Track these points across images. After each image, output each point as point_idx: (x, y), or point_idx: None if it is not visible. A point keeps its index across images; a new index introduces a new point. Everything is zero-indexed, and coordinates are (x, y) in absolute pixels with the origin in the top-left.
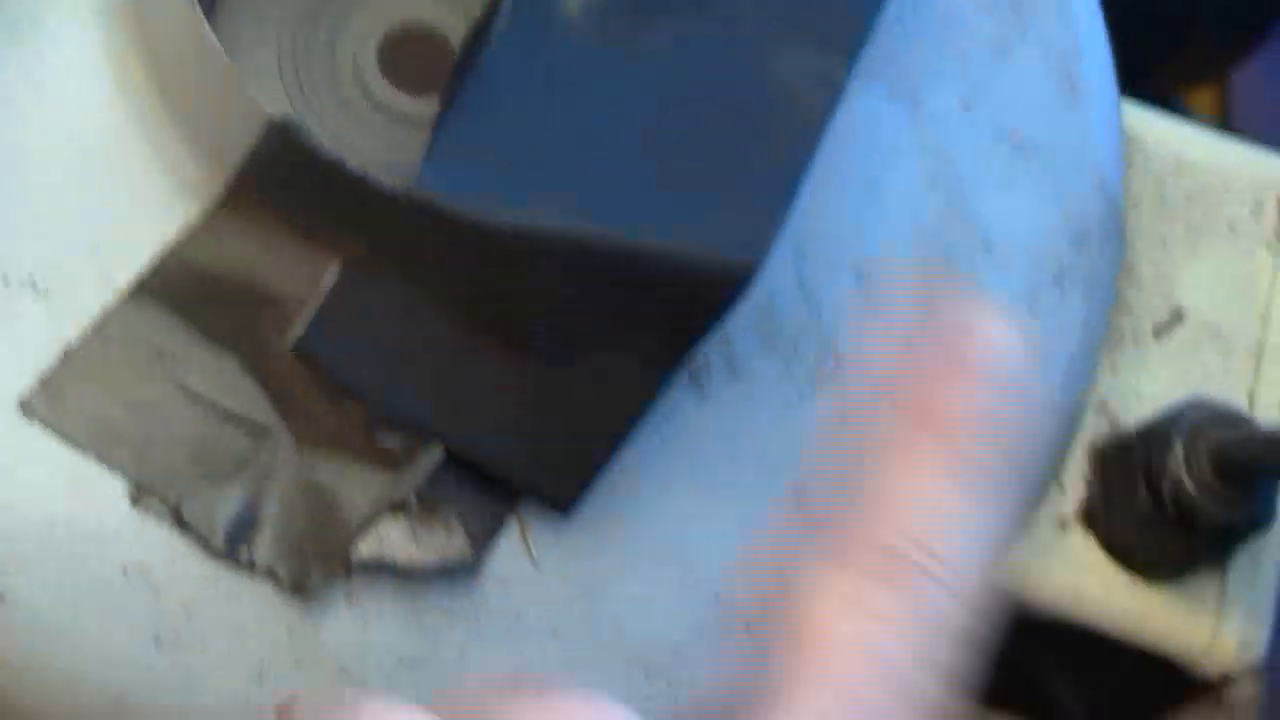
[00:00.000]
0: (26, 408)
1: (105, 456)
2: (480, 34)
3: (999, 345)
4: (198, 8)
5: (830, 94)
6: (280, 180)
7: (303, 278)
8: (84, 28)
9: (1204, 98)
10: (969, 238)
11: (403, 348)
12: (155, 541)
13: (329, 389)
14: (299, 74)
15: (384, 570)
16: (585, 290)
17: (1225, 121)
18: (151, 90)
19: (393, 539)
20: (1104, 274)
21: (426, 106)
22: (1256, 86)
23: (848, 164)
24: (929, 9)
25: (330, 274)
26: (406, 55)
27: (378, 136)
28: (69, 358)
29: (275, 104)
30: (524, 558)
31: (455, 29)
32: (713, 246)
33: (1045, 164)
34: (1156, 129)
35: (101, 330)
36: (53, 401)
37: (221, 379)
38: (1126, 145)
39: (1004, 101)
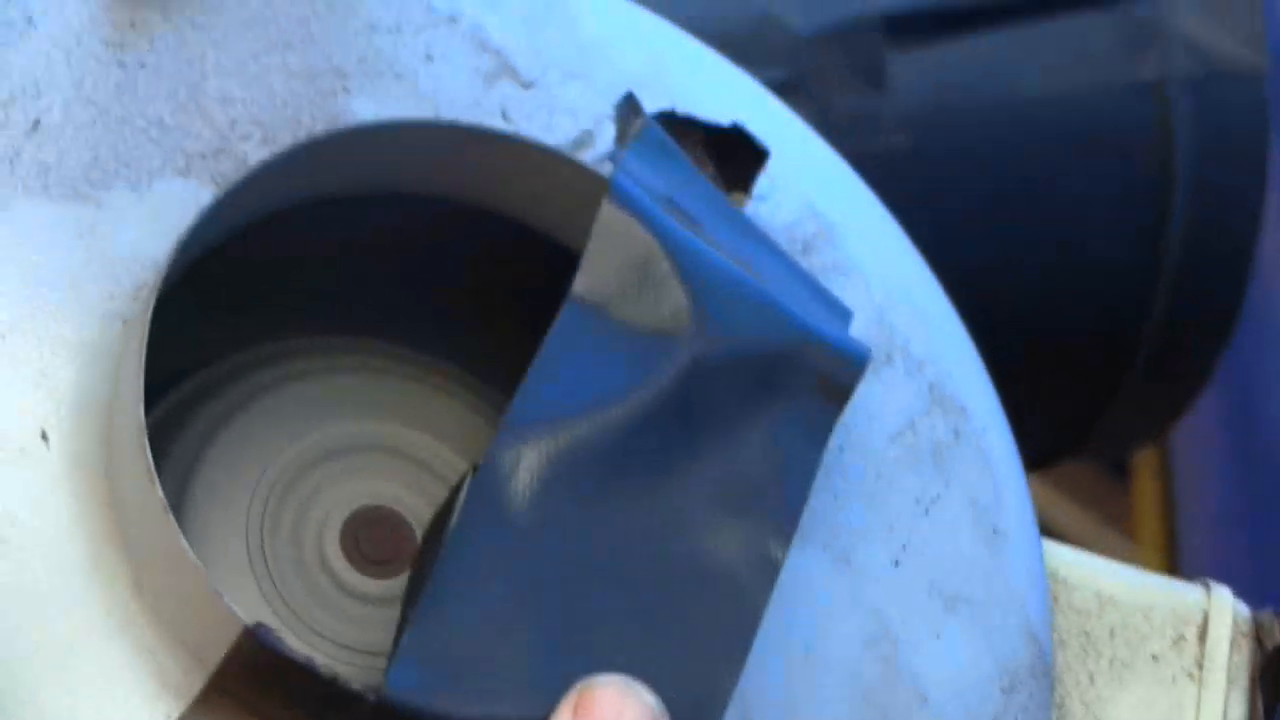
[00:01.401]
0: None
1: None
2: (439, 524)
3: None
4: (175, 525)
5: (768, 575)
6: (256, 681)
7: None
8: (67, 536)
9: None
10: (906, 694)
11: None
12: None
13: None
14: (267, 560)
15: None
16: None
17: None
18: (133, 594)
19: None
20: (1035, 717)
21: (389, 587)
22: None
23: (787, 631)
24: (858, 473)
25: None
26: (368, 538)
27: (344, 618)
28: None
29: (242, 585)
30: None
31: (414, 509)
32: None
33: (974, 615)
34: (1077, 568)
35: None
36: None
37: None
38: (1051, 584)
39: (932, 556)
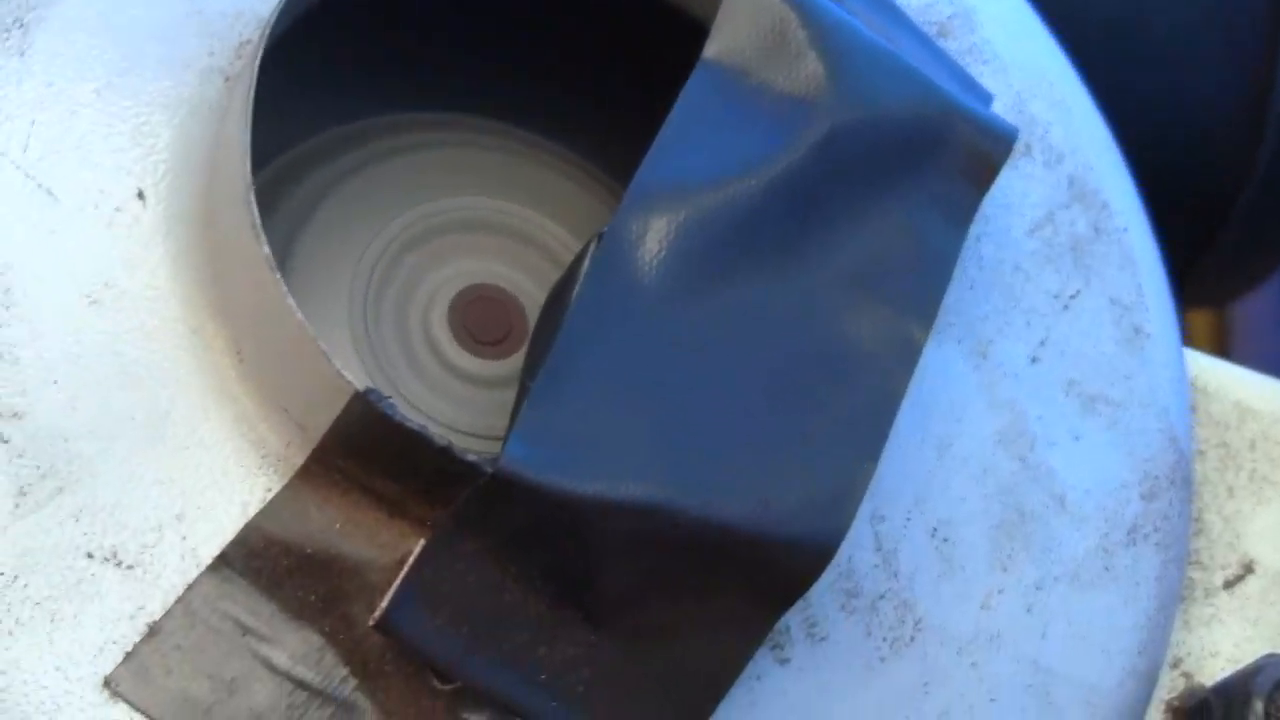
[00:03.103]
0: (112, 684)
1: None
2: (559, 295)
3: None
4: (281, 282)
5: (909, 360)
6: (363, 452)
7: (386, 551)
8: (163, 299)
9: (1200, 324)
10: (1042, 495)
11: (486, 622)
12: None
13: (415, 664)
14: (369, 333)
15: None
16: (669, 562)
17: (1224, 350)
18: (232, 361)
19: None
20: (1176, 526)
21: (498, 369)
22: (1258, 317)
23: (921, 424)
24: (995, 264)
25: (414, 547)
26: (477, 317)
27: (451, 399)
28: (153, 634)
29: (346, 362)
30: None
31: (525, 290)
32: (796, 521)
33: (1114, 416)
34: (1217, 375)
35: (185, 605)
36: (137, 679)
37: (306, 654)
38: (1190, 393)
39: (1071, 353)
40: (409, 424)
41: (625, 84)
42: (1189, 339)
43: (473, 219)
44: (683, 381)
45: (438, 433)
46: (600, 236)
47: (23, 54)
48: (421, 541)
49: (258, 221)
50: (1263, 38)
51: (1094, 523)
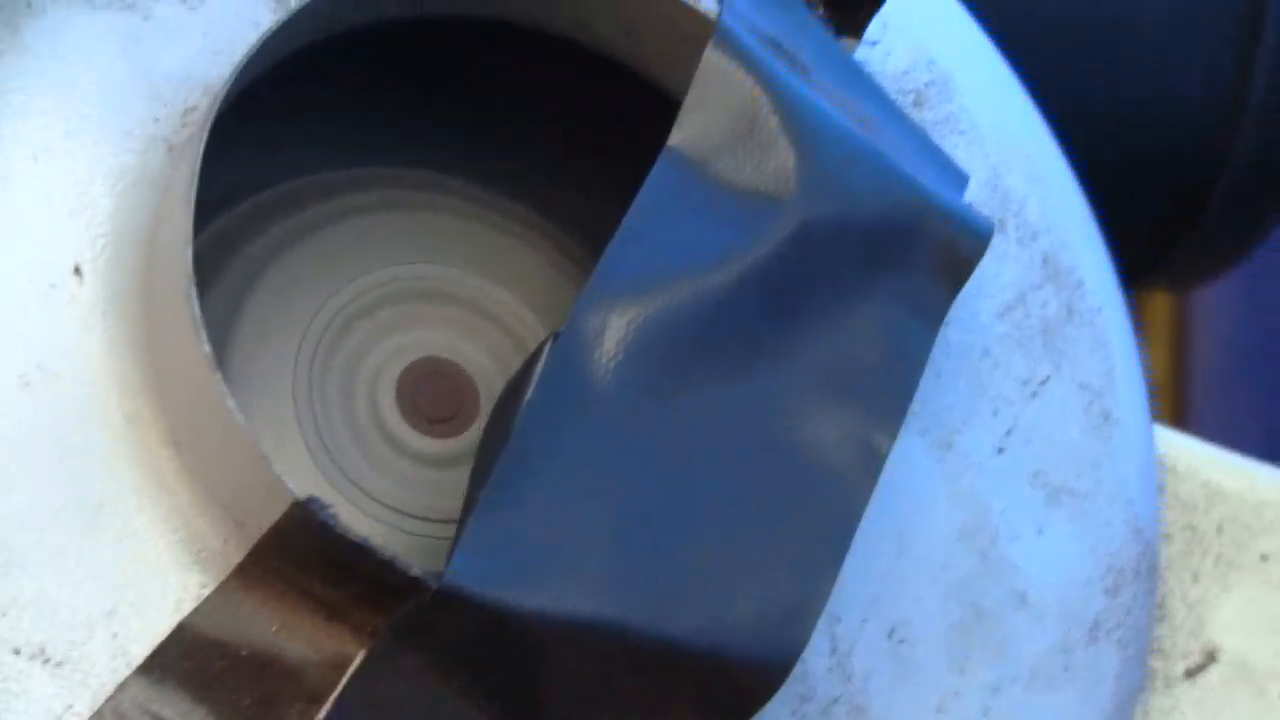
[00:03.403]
0: None
1: None
2: (512, 396)
3: None
4: (221, 382)
5: (872, 473)
6: (302, 557)
7: (325, 655)
8: (99, 385)
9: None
10: (1003, 591)
11: None
12: None
13: None
14: (314, 405)
15: None
16: (617, 679)
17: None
18: (170, 452)
19: None
20: (1139, 620)
21: (448, 448)
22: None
23: (880, 518)
24: (963, 349)
25: (354, 654)
26: (427, 393)
27: (399, 480)
28: None
29: (292, 446)
30: None
31: (478, 365)
32: (750, 638)
33: (1079, 508)
34: (1187, 454)
35: (115, 707)
36: None
37: None
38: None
39: (1038, 442)
40: (350, 535)
41: (598, 153)
42: (1150, 325)
43: (428, 288)
44: (637, 491)
45: (382, 543)
46: (555, 336)
47: None
48: (361, 653)
49: (198, 316)
50: (1242, 26)
51: (1054, 620)
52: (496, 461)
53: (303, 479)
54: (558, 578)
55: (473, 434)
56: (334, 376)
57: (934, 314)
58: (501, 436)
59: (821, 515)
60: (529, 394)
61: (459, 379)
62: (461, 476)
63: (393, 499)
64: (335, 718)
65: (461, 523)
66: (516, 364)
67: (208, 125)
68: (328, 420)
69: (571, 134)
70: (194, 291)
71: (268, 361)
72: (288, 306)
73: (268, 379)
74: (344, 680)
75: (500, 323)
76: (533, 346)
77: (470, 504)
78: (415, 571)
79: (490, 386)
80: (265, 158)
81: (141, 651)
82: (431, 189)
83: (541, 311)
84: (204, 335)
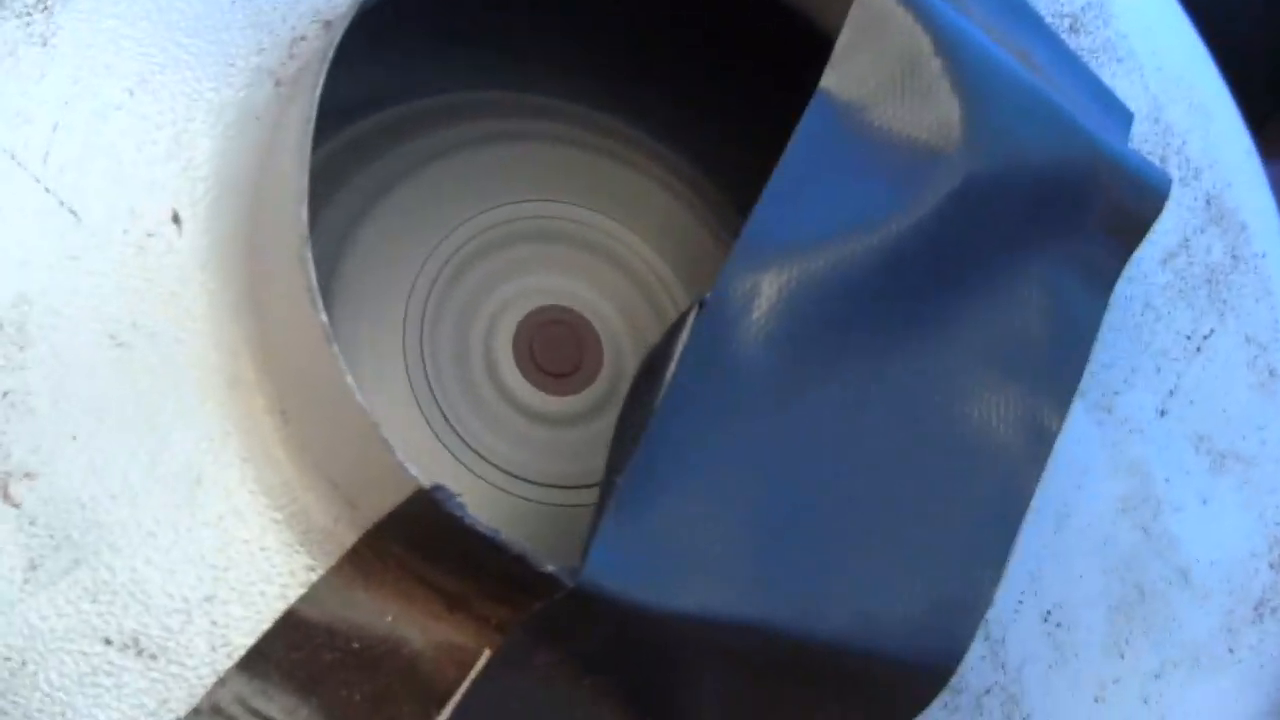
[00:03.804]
0: None
1: None
2: (652, 371)
3: None
4: (340, 357)
5: (1041, 454)
6: (424, 545)
7: (443, 649)
8: (198, 344)
9: None
10: (1165, 569)
11: None
12: None
13: None
14: (425, 357)
15: None
16: (763, 684)
17: None
18: (275, 421)
19: None
20: None
21: (566, 405)
22: None
23: (1039, 492)
24: (1124, 303)
25: (474, 648)
26: (546, 345)
27: (516, 440)
28: None
29: (399, 403)
30: None
31: (602, 315)
32: (907, 640)
33: (1245, 475)
34: None
35: (213, 703)
36: None
37: None
38: None
39: (1201, 402)
40: (480, 528)
41: (745, 92)
42: None
43: (550, 229)
44: (786, 479)
45: (512, 537)
46: (701, 304)
47: (45, 43)
48: (487, 651)
49: (314, 283)
50: None
51: (1218, 598)
52: (636, 447)
53: (410, 433)
54: (700, 576)
55: (594, 392)
56: (447, 323)
57: (1105, 279)
58: (641, 417)
59: (987, 502)
60: (671, 372)
61: (581, 330)
62: (579, 437)
63: (505, 460)
64: (463, 715)
65: (599, 512)
66: (644, 316)
67: (325, 63)
68: (438, 371)
69: (716, 70)
70: (309, 254)
71: (375, 306)
72: (398, 246)
73: (375, 326)
74: (470, 678)
75: (628, 270)
76: (662, 298)
77: (607, 492)
78: (549, 569)
79: (615, 340)
80: (383, 76)
81: (243, 641)
82: (559, 118)
83: (673, 260)
84: (320, 303)
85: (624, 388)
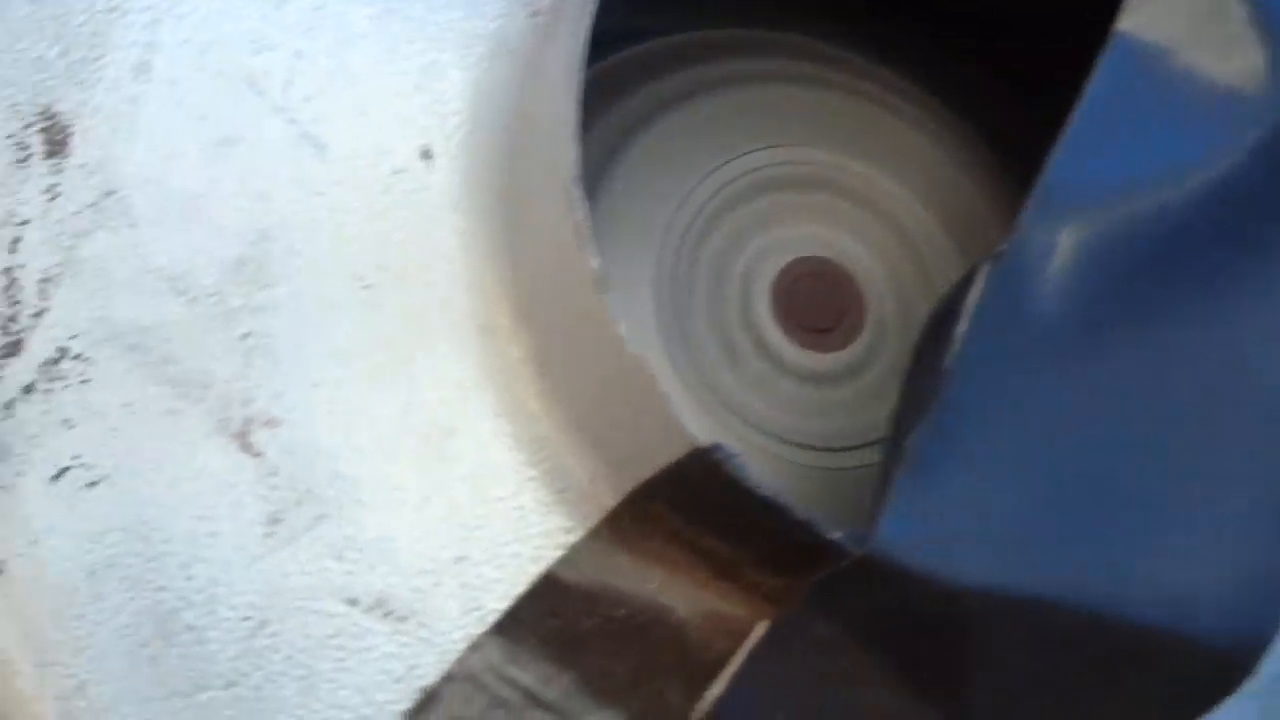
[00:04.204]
0: None
1: None
2: (939, 328)
3: None
4: (610, 306)
5: None
6: (696, 508)
7: (711, 619)
8: (450, 288)
9: None
10: None
11: (835, 717)
12: None
13: None
14: (677, 309)
15: None
16: (1061, 664)
17: None
18: (532, 372)
19: None
20: None
21: (828, 362)
22: None
23: None
24: None
25: (745, 617)
26: (806, 298)
27: (774, 398)
28: (427, 702)
29: (647, 341)
30: None
31: (864, 266)
32: (1217, 616)
33: None
34: None
35: (466, 670)
36: None
37: None
38: None
39: None
40: (764, 491)
41: (1016, 34)
42: None
43: (808, 175)
44: (1085, 444)
45: (797, 502)
46: (996, 257)
47: None
48: (763, 623)
49: (585, 224)
50: None
51: None
52: (926, 410)
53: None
54: (994, 547)
55: (856, 348)
56: (702, 274)
57: None
58: (930, 378)
59: None
60: (962, 330)
61: (842, 283)
62: (839, 396)
63: (760, 418)
64: (733, 696)
65: (886, 477)
66: (907, 269)
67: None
68: (693, 326)
69: (992, 21)
70: (580, 192)
71: (625, 255)
72: (651, 190)
73: (625, 277)
74: (745, 649)
75: (891, 219)
76: (925, 250)
77: (895, 456)
78: (835, 536)
79: (877, 294)
80: (637, 8)
81: (497, 606)
82: (819, 61)
83: (937, 210)
84: (592, 246)
85: (887, 343)
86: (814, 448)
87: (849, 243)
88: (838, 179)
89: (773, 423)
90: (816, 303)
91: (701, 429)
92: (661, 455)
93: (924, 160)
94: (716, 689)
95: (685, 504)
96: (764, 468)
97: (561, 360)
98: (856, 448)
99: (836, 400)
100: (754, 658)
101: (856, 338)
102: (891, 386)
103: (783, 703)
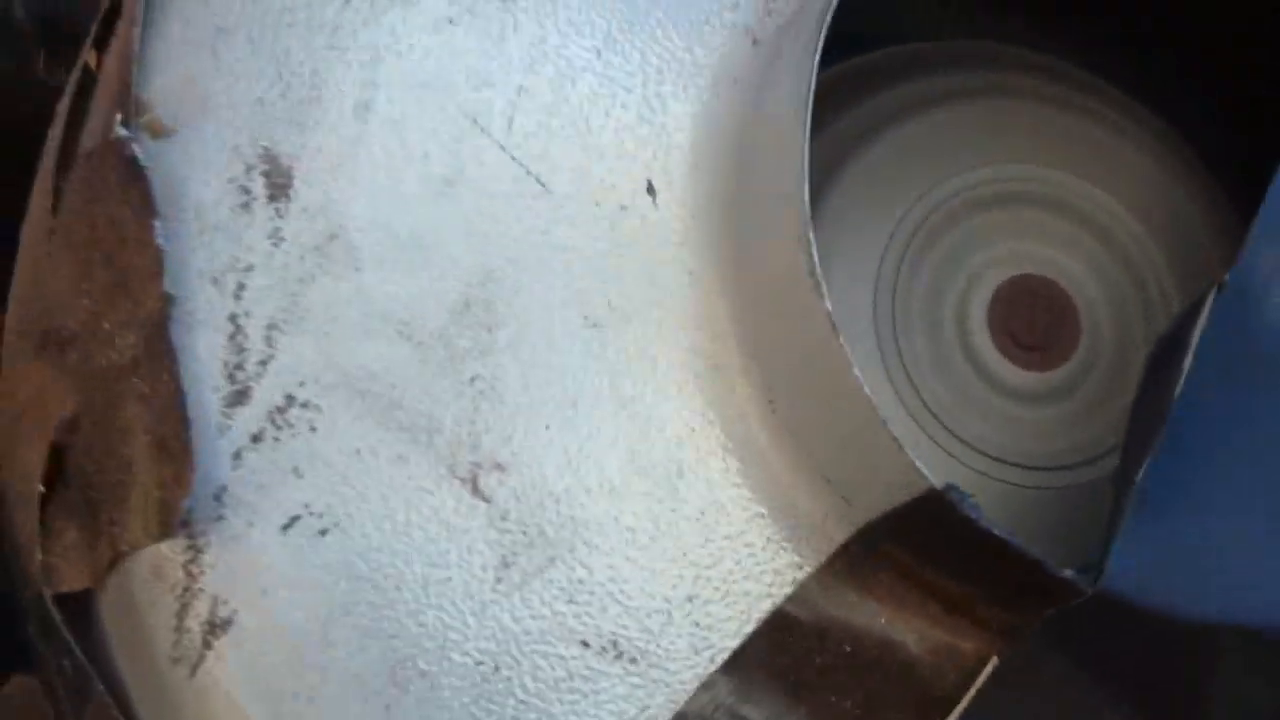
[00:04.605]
0: None
1: None
2: (1166, 356)
3: None
4: (846, 349)
5: None
6: (928, 546)
7: (940, 654)
8: (677, 326)
9: None
10: None
11: None
12: None
13: None
14: (895, 324)
15: None
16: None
17: None
18: (761, 411)
19: None
20: None
21: (1042, 381)
22: None
23: None
24: None
25: (974, 651)
26: (1022, 315)
27: (990, 418)
28: None
29: (869, 373)
30: None
31: (1079, 283)
32: None
33: None
34: None
35: (698, 709)
36: None
37: None
38: None
39: None
40: (998, 532)
41: (1243, 65)
42: None
43: (1025, 193)
44: None
45: (1025, 543)
46: (1220, 285)
47: None
48: (993, 659)
49: (817, 268)
50: None
51: None
52: (1154, 442)
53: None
54: (1230, 580)
55: (1070, 368)
56: (918, 293)
57: None
58: (1158, 408)
59: None
60: (1189, 360)
61: (1059, 301)
62: (1052, 415)
63: (975, 437)
64: None
65: (1116, 511)
66: (1125, 292)
67: (824, 27)
68: (909, 343)
69: (1218, 36)
70: (812, 236)
71: (845, 269)
72: (869, 208)
73: (845, 292)
74: (976, 684)
75: (1109, 238)
76: (1145, 273)
77: (1124, 489)
78: (1066, 574)
79: (1093, 314)
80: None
81: (727, 644)
82: (1046, 76)
83: (1155, 230)
84: (824, 289)
85: (1101, 362)
86: (1025, 466)
87: (1066, 261)
88: (1056, 196)
89: (985, 441)
90: (1033, 321)
91: (931, 466)
92: (895, 494)
93: (1144, 180)
94: None
95: (917, 542)
96: (976, 486)
97: (791, 398)
98: (1068, 468)
99: (1049, 419)
100: (984, 692)
101: (1070, 358)
102: (1105, 406)
103: None
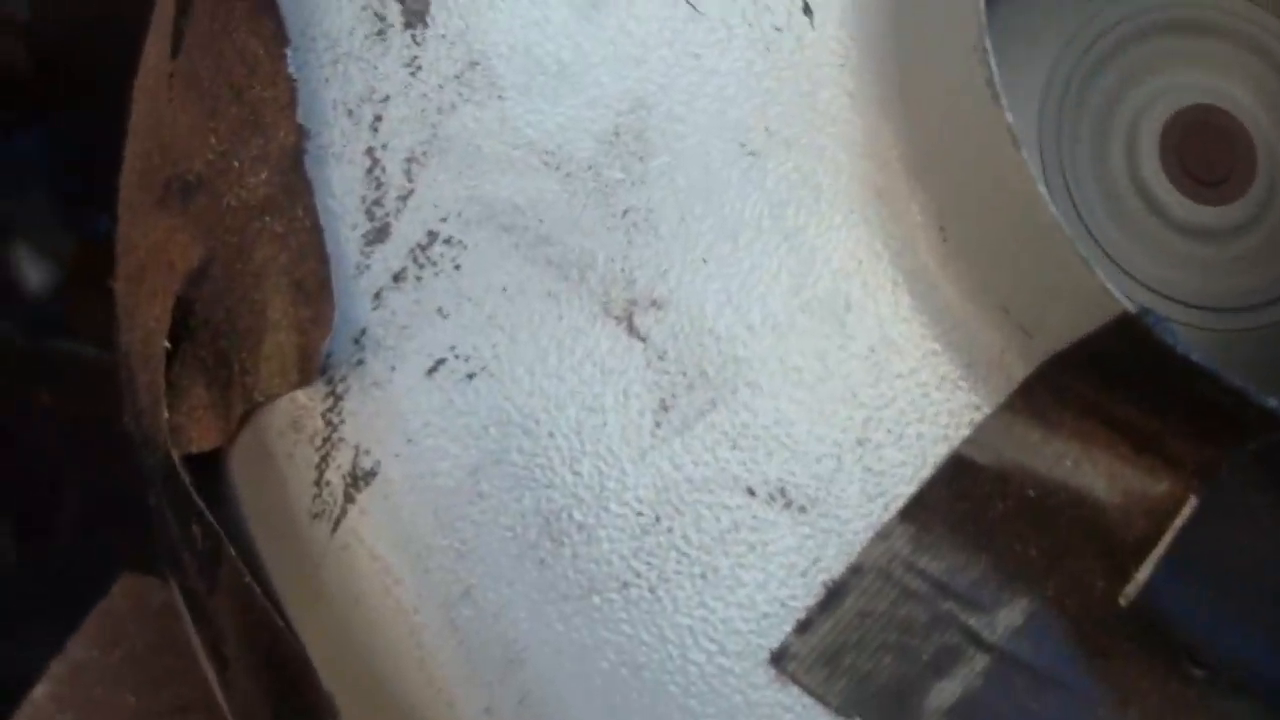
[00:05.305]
0: (782, 662)
1: None
2: None
3: None
4: (1028, 164)
5: None
6: (1117, 378)
7: (1131, 496)
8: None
9: None
10: None
11: (1261, 594)
12: None
13: (1164, 641)
14: (1063, 160)
15: None
16: None
17: None
18: (933, 239)
19: None
20: None
21: (1218, 217)
22: None
23: None
24: None
25: (1169, 495)
26: (1196, 149)
27: (1161, 255)
28: (833, 598)
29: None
30: None
31: (1253, 116)
32: None
33: None
34: None
35: (873, 561)
36: (814, 656)
37: (1024, 625)
38: None
39: None
40: (1196, 359)
41: None
42: None
43: (1192, 20)
44: None
45: (1228, 370)
46: None
47: None
48: (1192, 498)
49: (996, 78)
50: None
51: None
52: None
53: None
54: None
55: (1247, 203)
56: (1086, 124)
57: None
58: None
59: None
60: None
61: (1233, 133)
62: (1231, 253)
63: (1150, 276)
64: (1162, 576)
65: None
66: None
67: None
68: (1077, 179)
69: None
70: (988, 44)
71: (1010, 102)
72: (1029, 40)
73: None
74: (1175, 527)
75: None
76: None
77: None
78: (1271, 403)
79: (1268, 142)
80: None
81: (903, 491)
82: None
83: None
84: (1004, 100)
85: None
86: (1203, 307)
87: (1236, 90)
88: (1230, 25)
89: (1161, 280)
90: (1207, 154)
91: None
92: (1080, 322)
93: None
94: (1145, 572)
95: (1106, 375)
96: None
97: (966, 223)
98: (1248, 309)
99: (1227, 257)
100: (1185, 536)
101: (1246, 192)
102: None
103: (1219, 582)
